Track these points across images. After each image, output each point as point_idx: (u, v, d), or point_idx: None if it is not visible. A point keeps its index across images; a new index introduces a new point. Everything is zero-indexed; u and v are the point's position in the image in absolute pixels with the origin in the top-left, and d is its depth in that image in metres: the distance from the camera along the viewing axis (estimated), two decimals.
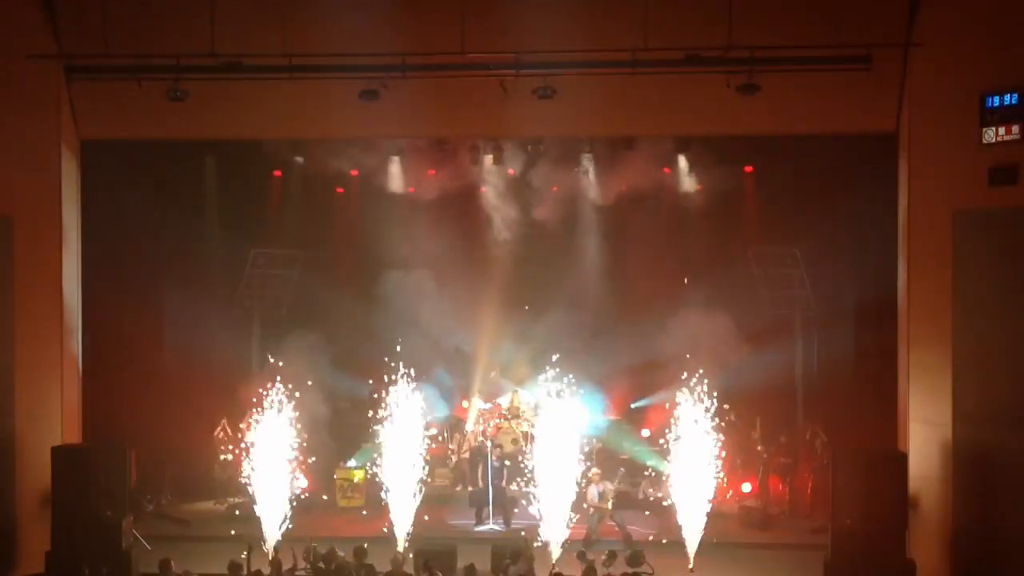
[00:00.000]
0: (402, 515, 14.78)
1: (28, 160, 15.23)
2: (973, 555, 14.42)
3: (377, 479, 15.00)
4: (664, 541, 15.28)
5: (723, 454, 14.89)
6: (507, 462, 17.53)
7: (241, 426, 17.39)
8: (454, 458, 19.20)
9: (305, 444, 15.77)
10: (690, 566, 14.43)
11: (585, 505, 15.95)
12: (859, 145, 16.16)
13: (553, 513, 14.46)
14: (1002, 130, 14.07)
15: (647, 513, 17.30)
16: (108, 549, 14.29)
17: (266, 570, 13.11)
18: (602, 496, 16.03)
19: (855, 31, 14.01)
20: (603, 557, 13.32)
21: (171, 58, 14.33)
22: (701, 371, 14.58)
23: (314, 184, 19.46)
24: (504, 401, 20.07)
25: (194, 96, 14.52)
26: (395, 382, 14.73)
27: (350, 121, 15.52)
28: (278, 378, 14.92)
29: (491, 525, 17.03)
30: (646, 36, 13.93)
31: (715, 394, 14.59)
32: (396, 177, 19.45)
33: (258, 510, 14.63)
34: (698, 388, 14.38)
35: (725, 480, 16.77)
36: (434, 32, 14.65)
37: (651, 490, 17.99)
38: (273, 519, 14.51)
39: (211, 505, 18.20)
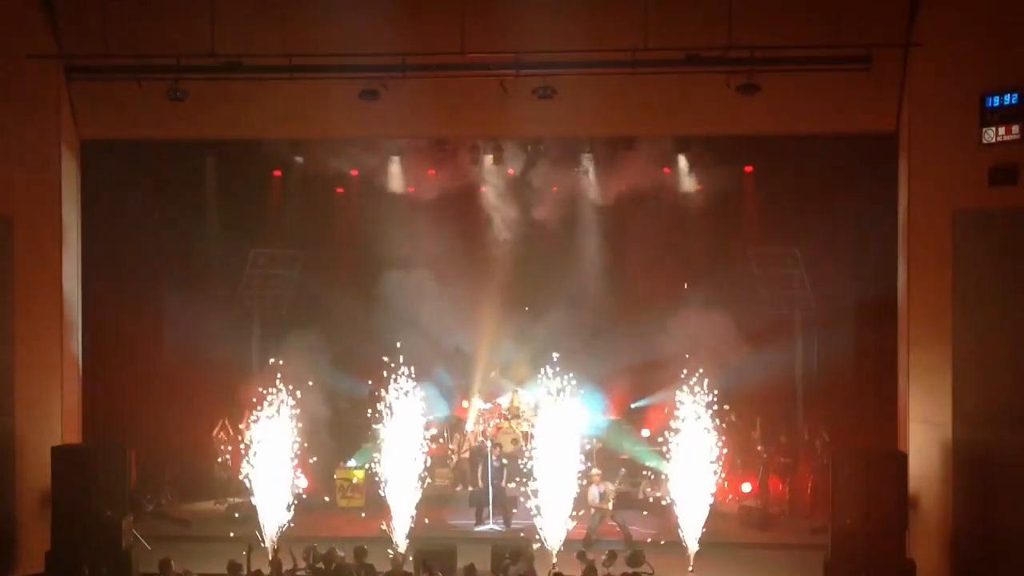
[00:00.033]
0: (402, 515, 14.76)
1: (28, 160, 15.23)
2: (973, 555, 14.42)
3: (377, 479, 14.97)
4: (662, 542, 15.26)
5: (724, 451, 14.87)
6: (504, 460, 17.52)
7: (240, 426, 17.42)
8: (454, 458, 19.20)
9: (305, 444, 15.77)
10: (690, 566, 14.42)
11: (586, 508, 15.95)
12: (859, 145, 16.16)
13: (553, 513, 14.45)
14: (1002, 130, 14.07)
15: (645, 513, 17.30)
16: (108, 549, 14.30)
17: (266, 570, 13.12)
18: (603, 497, 16.03)
19: (855, 31, 14.01)
20: (603, 557, 13.32)
21: (171, 58, 14.33)
22: (701, 371, 14.58)
23: (314, 184, 19.46)
24: (504, 401, 20.07)
25: (194, 96, 14.52)
26: (396, 381, 14.71)
27: (350, 121, 15.51)
28: (278, 378, 14.91)
29: (491, 525, 17.03)
30: (646, 36, 13.94)
31: (715, 392, 14.59)
32: (396, 177, 19.45)
33: (258, 510, 14.61)
34: (698, 388, 14.37)
35: (725, 481, 16.75)
36: (434, 32, 14.65)
37: (649, 490, 17.99)
38: (273, 519, 14.50)
39: (211, 505, 18.21)
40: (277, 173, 19.52)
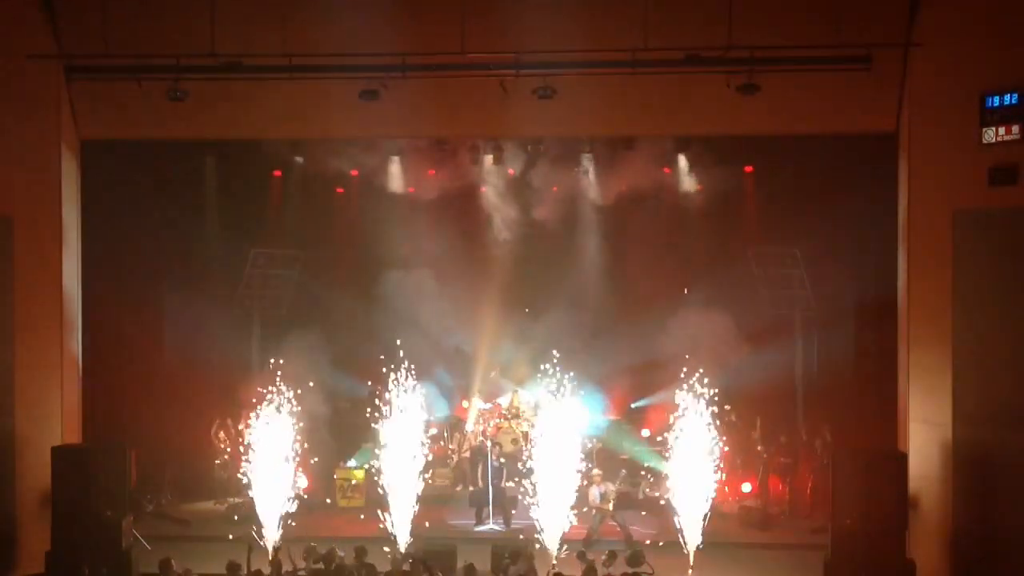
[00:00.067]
0: (402, 515, 14.76)
1: (28, 160, 15.24)
2: (973, 555, 14.42)
3: (377, 479, 14.97)
4: (661, 544, 15.24)
5: (726, 448, 14.86)
6: (502, 459, 17.52)
7: (240, 427, 17.41)
8: (455, 458, 19.21)
9: (305, 444, 15.77)
10: (690, 566, 14.42)
11: (587, 508, 15.95)
12: (859, 145, 16.16)
13: (553, 513, 14.45)
14: (1002, 130, 14.07)
15: (643, 514, 17.30)
16: (108, 549, 14.30)
17: (266, 570, 13.11)
18: (603, 497, 16.02)
19: (855, 31, 14.01)
20: (603, 557, 13.32)
21: (171, 58, 14.33)
22: (701, 371, 14.58)
23: (314, 184, 19.45)
24: (504, 401, 20.06)
25: (194, 96, 14.53)
26: (396, 380, 14.72)
27: (350, 121, 15.51)
28: (278, 378, 14.92)
29: (491, 525, 17.03)
30: (646, 36, 13.94)
31: (715, 390, 14.60)
32: (396, 177, 19.44)
33: (258, 510, 14.61)
34: (699, 388, 14.37)
35: (725, 481, 16.74)
36: (434, 32, 14.65)
37: (649, 490, 17.98)
38: (273, 519, 14.50)
39: (211, 505, 18.20)
40: (277, 173, 19.52)
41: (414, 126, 15.76)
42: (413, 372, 14.84)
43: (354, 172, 19.48)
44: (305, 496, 16.64)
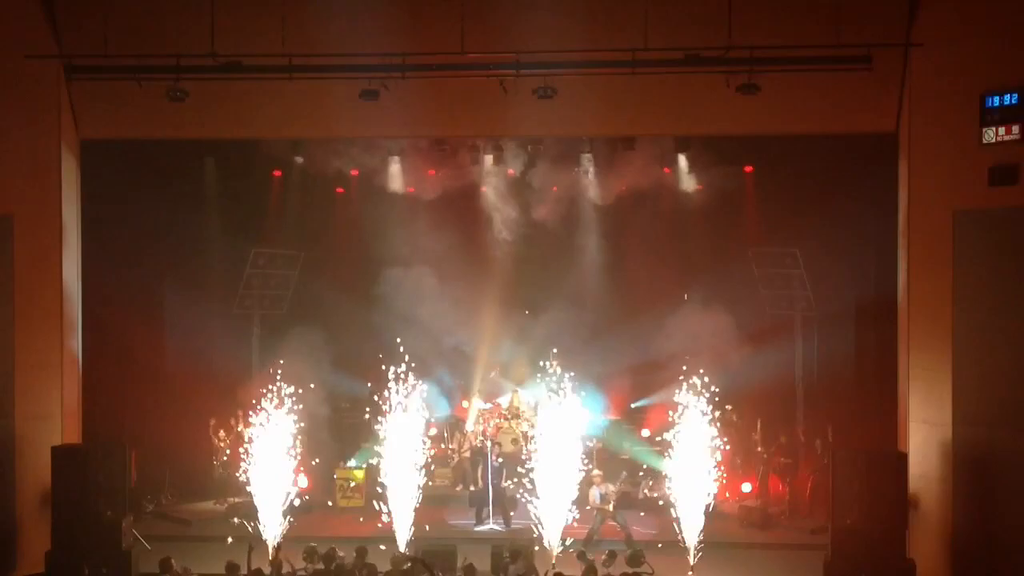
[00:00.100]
0: (402, 515, 14.77)
1: (28, 160, 15.24)
2: (973, 555, 14.42)
3: (379, 478, 14.98)
4: (659, 545, 15.25)
5: (728, 447, 14.85)
6: (500, 459, 17.52)
7: (240, 428, 17.42)
8: (455, 458, 19.21)
9: (306, 444, 15.77)
10: (690, 566, 14.43)
11: (588, 507, 15.96)
12: (859, 145, 16.15)
13: (553, 513, 14.46)
14: (1002, 130, 14.07)
15: (642, 514, 17.30)
16: (108, 549, 14.31)
17: (267, 570, 13.12)
18: (604, 498, 16.01)
19: (855, 31, 14.01)
20: (603, 557, 13.33)
21: (171, 58, 14.33)
22: (701, 371, 14.60)
23: (314, 184, 19.45)
24: (504, 401, 20.07)
25: (194, 96, 14.53)
26: (396, 380, 14.73)
27: (350, 121, 15.52)
28: (278, 377, 14.93)
29: (491, 525, 17.03)
30: (646, 36, 13.94)
31: (715, 388, 14.61)
32: (396, 177, 19.43)
33: (258, 510, 14.62)
34: (699, 387, 14.38)
35: (725, 480, 16.75)
36: (434, 32, 14.65)
37: (649, 490, 17.98)
38: (273, 519, 14.50)
39: (211, 505, 18.20)
40: (277, 173, 19.50)
41: (414, 126, 15.76)
42: (413, 372, 14.85)
43: (354, 172, 19.47)
44: (306, 497, 16.67)
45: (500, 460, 17.56)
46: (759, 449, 18.08)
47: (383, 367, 14.84)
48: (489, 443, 17.74)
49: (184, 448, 18.42)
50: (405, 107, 14.82)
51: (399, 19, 14.70)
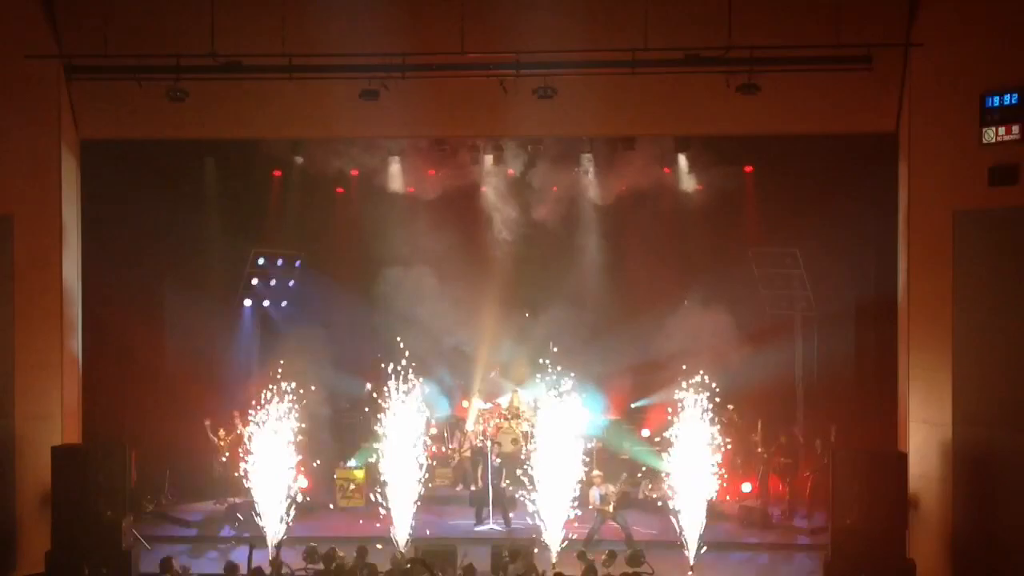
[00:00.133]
0: (402, 515, 14.77)
1: (28, 160, 15.24)
2: (973, 555, 14.43)
3: (381, 477, 14.98)
4: (661, 544, 15.25)
5: (728, 446, 14.83)
6: (498, 460, 17.53)
7: (239, 430, 17.42)
8: (456, 457, 19.21)
9: (306, 445, 15.75)
10: (690, 566, 14.43)
11: (589, 507, 15.96)
12: (859, 145, 16.15)
13: (552, 513, 14.47)
14: (1002, 130, 14.07)
15: (643, 514, 17.29)
16: (108, 549, 14.31)
17: (267, 569, 13.12)
18: (604, 499, 16.00)
19: (855, 31, 14.03)
20: (603, 557, 13.32)
21: (171, 58, 14.33)
22: (701, 371, 14.60)
23: (314, 184, 19.45)
24: (504, 401, 20.07)
25: (194, 96, 14.53)
26: (396, 380, 14.74)
27: (350, 121, 15.52)
28: (279, 377, 14.92)
29: (491, 525, 17.03)
30: (646, 36, 13.95)
31: (714, 385, 14.61)
32: (396, 177, 19.42)
33: (258, 510, 14.62)
34: (699, 387, 14.39)
35: (725, 480, 16.74)
36: (434, 32, 14.65)
37: (650, 489, 17.98)
38: (273, 519, 14.50)
39: (211, 505, 18.19)
40: (277, 173, 19.49)
41: (414, 126, 15.75)
42: (413, 372, 14.85)
43: (354, 172, 19.46)
44: (307, 499, 16.66)
45: (499, 461, 17.56)
46: (759, 450, 18.08)
47: (382, 365, 14.84)
48: (489, 443, 17.74)
49: (184, 448, 18.39)
50: (405, 107, 14.82)
51: (399, 19, 14.70)
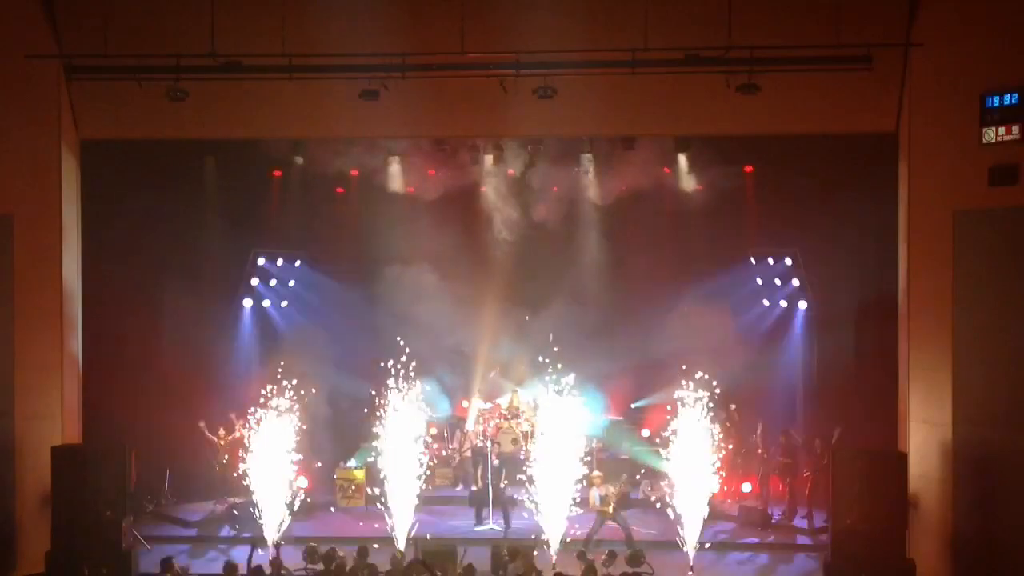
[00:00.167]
0: (402, 515, 14.77)
1: (28, 160, 15.25)
2: (973, 555, 14.43)
3: (382, 475, 14.98)
4: (661, 544, 15.24)
5: (730, 446, 14.82)
6: (496, 461, 17.52)
7: (237, 431, 17.42)
8: (456, 457, 19.21)
9: (306, 445, 15.74)
10: (690, 566, 14.43)
11: (589, 508, 15.96)
12: (859, 145, 16.15)
13: (553, 513, 14.46)
14: (1002, 130, 14.08)
15: (643, 514, 17.29)
16: (108, 549, 14.31)
17: (267, 569, 13.11)
18: (604, 500, 15.99)
19: (855, 31, 14.02)
20: (603, 557, 13.33)
21: (171, 58, 14.32)
22: (701, 371, 14.60)
23: (314, 184, 19.45)
24: (504, 401, 20.07)
25: (194, 96, 14.53)
26: (396, 380, 14.73)
27: (350, 121, 15.53)
28: (278, 378, 14.92)
29: (491, 525, 17.02)
30: (646, 36, 13.94)
31: (714, 382, 14.61)
32: (396, 177, 19.43)
33: (258, 510, 14.62)
34: (699, 387, 14.39)
35: (725, 480, 16.74)
36: (434, 32, 14.65)
37: (650, 490, 17.97)
38: (273, 519, 14.50)
39: (211, 505, 18.19)
40: (277, 173, 19.49)
41: (414, 126, 15.75)
42: (413, 372, 14.85)
43: (354, 172, 19.47)
44: (308, 500, 16.66)
45: (498, 461, 17.55)
46: (759, 451, 18.08)
47: (382, 364, 14.84)
48: (489, 443, 17.74)
49: (184, 448, 18.38)
50: (405, 107, 14.81)
51: (399, 19, 14.69)
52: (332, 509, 18.06)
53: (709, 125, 15.50)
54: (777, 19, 14.58)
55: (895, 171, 15.48)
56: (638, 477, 18.21)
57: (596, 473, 16.32)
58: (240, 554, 13.30)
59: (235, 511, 16.96)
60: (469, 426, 19.74)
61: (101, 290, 16.78)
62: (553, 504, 14.47)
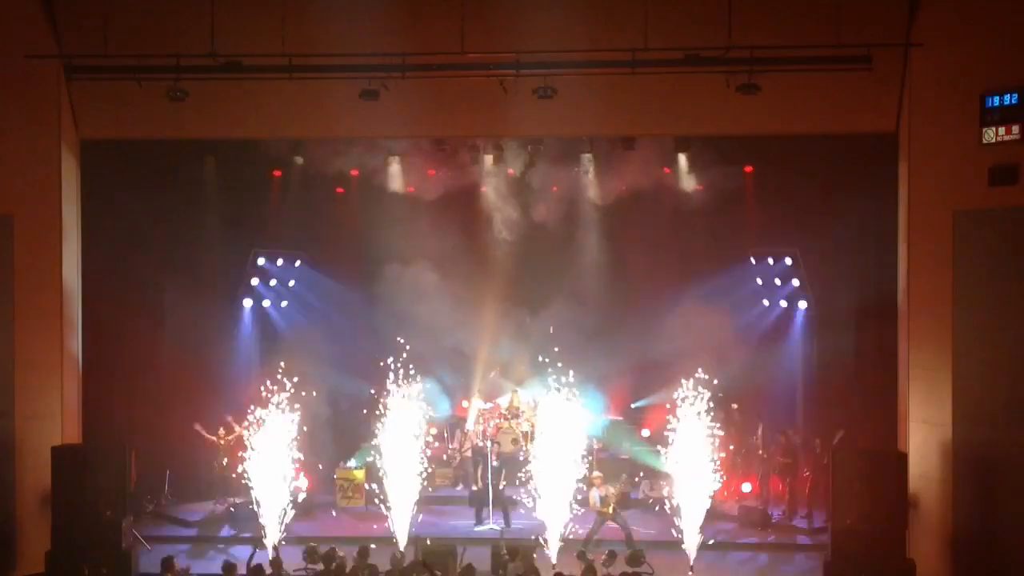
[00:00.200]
0: (402, 515, 14.77)
1: (28, 160, 15.25)
2: (973, 555, 14.43)
3: (382, 474, 14.99)
4: (661, 544, 15.24)
5: (730, 447, 14.81)
6: (496, 461, 17.53)
7: (236, 431, 17.42)
8: (457, 457, 19.22)
9: (306, 445, 15.74)
10: (690, 566, 14.43)
11: (589, 508, 15.97)
12: (859, 145, 16.16)
13: (552, 513, 14.46)
14: (1002, 130, 14.08)
15: (643, 514, 17.29)
16: (108, 549, 14.31)
17: (267, 569, 13.11)
18: (604, 500, 15.98)
19: (855, 31, 14.01)
20: (603, 557, 13.32)
21: (171, 58, 14.32)
22: (701, 371, 14.60)
23: (314, 184, 19.45)
24: (504, 401, 20.07)
25: (194, 96, 14.52)
26: (396, 380, 14.73)
27: (350, 121, 15.52)
28: (279, 376, 14.92)
29: (491, 525, 17.02)
30: (646, 36, 13.94)
31: (715, 381, 14.61)
32: (396, 177, 19.44)
33: (259, 510, 14.62)
34: (699, 387, 14.39)
35: (725, 480, 16.75)
36: (434, 32, 14.64)
37: (650, 490, 17.98)
38: (273, 519, 14.50)
39: (211, 505, 18.19)
40: (277, 173, 19.50)
41: (414, 126, 15.75)
42: (413, 371, 14.84)
43: (354, 172, 19.47)
44: (307, 497, 16.66)
45: (498, 461, 17.55)
46: (759, 451, 18.08)
47: (382, 364, 14.83)
48: (489, 443, 17.74)
49: (184, 448, 18.40)
50: (405, 107, 14.81)
51: (399, 19, 14.69)
52: (333, 513, 18.04)
53: (709, 125, 15.50)
54: (777, 19, 14.58)
55: (895, 171, 15.48)
56: (638, 477, 18.22)
57: (596, 473, 16.32)
58: (240, 554, 13.27)
59: (235, 511, 16.95)
60: (469, 426, 19.74)
61: (101, 290, 16.78)
62: (553, 504, 14.47)
